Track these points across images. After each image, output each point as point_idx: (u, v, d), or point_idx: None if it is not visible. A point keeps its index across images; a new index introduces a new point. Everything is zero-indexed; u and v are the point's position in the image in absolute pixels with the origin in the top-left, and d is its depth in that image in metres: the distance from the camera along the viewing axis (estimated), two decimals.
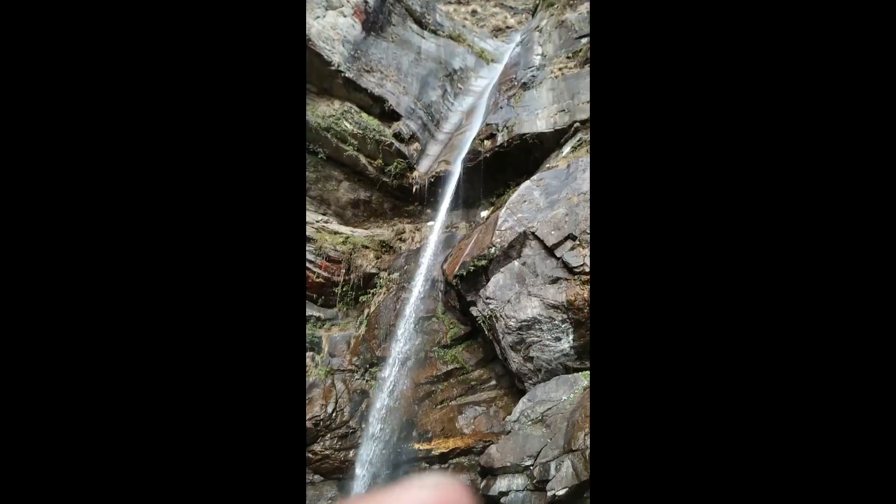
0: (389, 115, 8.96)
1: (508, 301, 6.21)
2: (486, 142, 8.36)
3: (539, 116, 8.17)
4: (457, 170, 8.55)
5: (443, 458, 6.29)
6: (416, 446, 6.40)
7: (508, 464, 4.99)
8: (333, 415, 6.70)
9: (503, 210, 6.72)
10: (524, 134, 8.03)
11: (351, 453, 6.47)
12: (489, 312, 6.32)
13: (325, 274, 7.80)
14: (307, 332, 7.38)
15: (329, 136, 8.41)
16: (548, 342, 5.94)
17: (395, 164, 8.77)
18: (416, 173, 8.98)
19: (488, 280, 6.47)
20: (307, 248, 7.79)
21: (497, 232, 6.51)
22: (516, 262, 6.39)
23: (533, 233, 6.36)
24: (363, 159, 8.74)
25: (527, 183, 6.96)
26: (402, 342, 6.99)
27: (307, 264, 7.69)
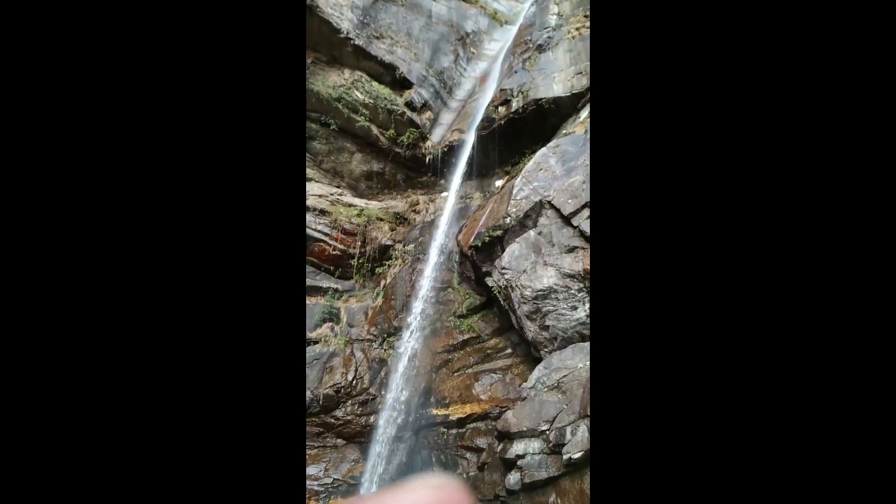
0: (401, 83, 8.76)
1: (524, 271, 6.19)
2: (500, 108, 8.13)
3: (555, 80, 7.87)
4: (470, 138, 8.38)
5: (460, 423, 6.47)
6: (435, 412, 6.59)
7: (525, 428, 5.11)
8: (354, 382, 6.92)
9: (518, 179, 6.60)
10: (540, 99, 7.77)
11: (371, 418, 6.72)
12: (505, 283, 6.32)
13: (341, 246, 7.87)
14: (326, 303, 7.53)
15: (340, 106, 8.29)
16: (564, 311, 5.95)
17: (407, 134, 8.64)
18: (428, 143, 8.85)
19: (503, 250, 6.45)
20: (322, 222, 7.84)
21: (512, 201, 6.42)
22: (532, 232, 6.33)
23: (549, 202, 6.25)
24: (375, 130, 8.62)
25: (543, 150, 6.80)
26: (418, 312, 7.09)
27: (323, 237, 7.76)
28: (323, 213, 7.90)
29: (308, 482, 6.37)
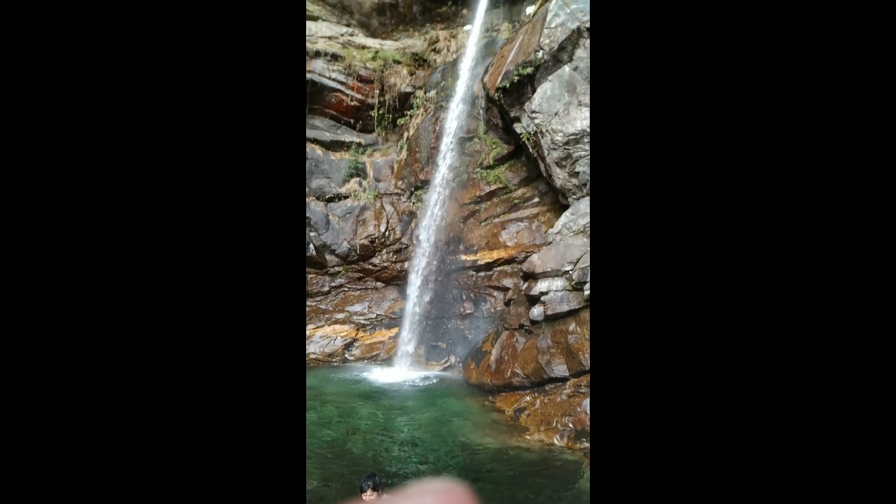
0: None
1: (556, 114, 5.76)
2: None
3: None
4: None
5: (488, 267, 6.93)
6: (463, 258, 7.02)
7: (549, 269, 5.42)
8: (386, 233, 7.30)
9: (553, 2, 5.64)
10: None
11: (406, 264, 7.27)
12: (534, 128, 5.96)
13: (359, 96, 7.41)
14: (351, 158, 7.47)
15: None
16: None
17: None
18: None
19: (534, 91, 5.91)
20: (336, 69, 7.24)
21: (546, 31, 5.61)
22: (567, 67, 5.68)
23: (588, 28, 5.43)
24: None
25: None
26: (444, 165, 6.98)
27: (339, 86, 7.27)
28: (335, 57, 7.24)
29: (354, 317, 7.29)
